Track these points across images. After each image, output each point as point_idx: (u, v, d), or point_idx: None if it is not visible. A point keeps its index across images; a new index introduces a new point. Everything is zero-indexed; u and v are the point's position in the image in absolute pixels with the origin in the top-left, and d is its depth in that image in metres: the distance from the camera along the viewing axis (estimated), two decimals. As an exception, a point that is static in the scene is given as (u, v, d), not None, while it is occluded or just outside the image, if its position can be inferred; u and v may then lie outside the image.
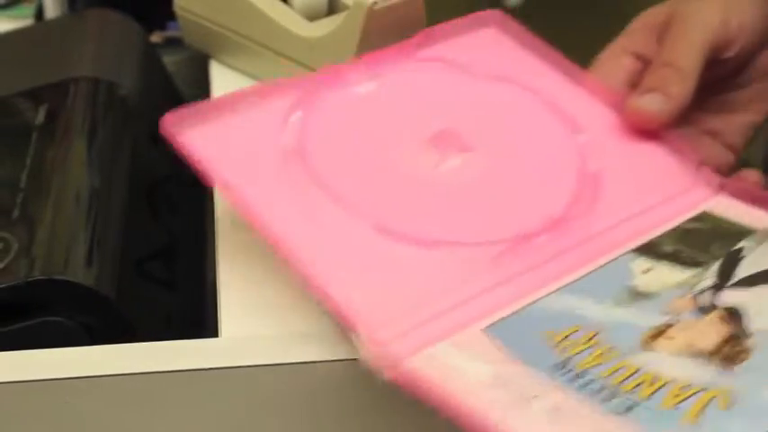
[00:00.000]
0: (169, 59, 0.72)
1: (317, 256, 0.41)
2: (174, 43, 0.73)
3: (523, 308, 0.41)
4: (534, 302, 0.41)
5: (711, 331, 0.39)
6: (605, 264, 0.44)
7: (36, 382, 0.42)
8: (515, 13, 0.57)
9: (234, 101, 0.48)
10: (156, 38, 0.74)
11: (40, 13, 0.75)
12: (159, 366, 0.42)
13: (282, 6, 0.64)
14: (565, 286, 0.42)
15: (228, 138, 0.46)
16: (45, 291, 0.45)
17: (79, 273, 0.47)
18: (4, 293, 0.45)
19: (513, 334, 0.39)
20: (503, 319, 0.40)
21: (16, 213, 0.50)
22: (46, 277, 0.46)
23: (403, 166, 0.48)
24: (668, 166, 0.50)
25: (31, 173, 0.53)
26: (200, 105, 0.47)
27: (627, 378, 0.37)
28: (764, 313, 0.39)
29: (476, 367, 0.37)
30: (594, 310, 0.41)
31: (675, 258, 0.44)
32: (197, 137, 0.46)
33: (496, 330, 0.40)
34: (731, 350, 0.37)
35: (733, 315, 0.39)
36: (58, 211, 0.50)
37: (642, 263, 0.44)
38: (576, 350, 0.38)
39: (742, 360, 0.37)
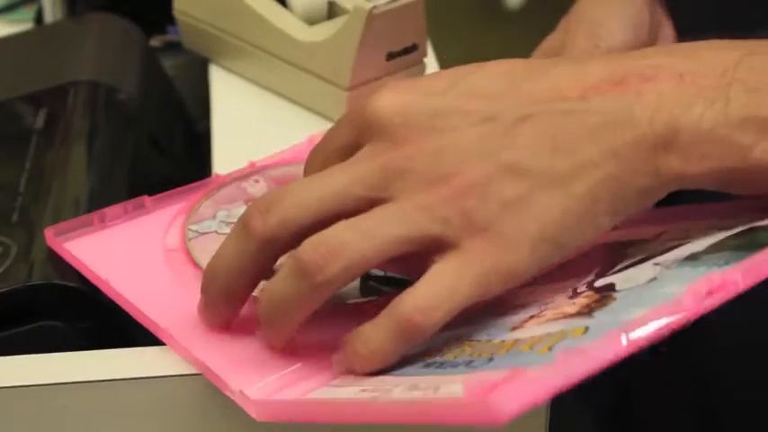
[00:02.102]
0: (169, 63, 0.72)
1: (194, 334, 0.43)
2: (173, 47, 0.73)
3: None
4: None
5: (581, 301, 0.40)
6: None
7: (34, 387, 0.42)
8: (515, 16, 0.57)
9: (117, 213, 0.50)
10: (155, 42, 0.74)
11: (39, 17, 0.75)
12: (161, 371, 0.42)
13: (282, 10, 0.64)
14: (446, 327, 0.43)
15: (113, 244, 0.49)
16: (44, 295, 0.45)
17: (78, 277, 0.47)
18: (2, 298, 0.45)
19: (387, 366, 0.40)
20: None
21: (15, 217, 0.50)
22: (45, 281, 0.46)
23: None
24: None
25: (31, 177, 0.53)
26: (85, 217, 0.50)
27: (489, 349, 0.38)
28: (628, 281, 0.40)
29: (345, 390, 0.39)
30: (473, 328, 0.41)
31: (560, 277, 0.44)
32: (81, 245, 0.48)
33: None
34: (598, 304, 0.38)
35: (605, 288, 0.40)
36: (57, 216, 0.50)
37: (526, 288, 0.44)
38: (450, 351, 0.39)
39: (605, 306, 0.38)
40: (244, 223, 0.41)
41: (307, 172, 0.44)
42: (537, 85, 0.41)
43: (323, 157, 0.43)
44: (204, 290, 0.43)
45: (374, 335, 0.39)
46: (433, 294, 0.38)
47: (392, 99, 0.41)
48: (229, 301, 0.42)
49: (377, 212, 0.39)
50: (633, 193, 0.39)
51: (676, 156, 0.39)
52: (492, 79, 0.41)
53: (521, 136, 0.39)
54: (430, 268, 0.39)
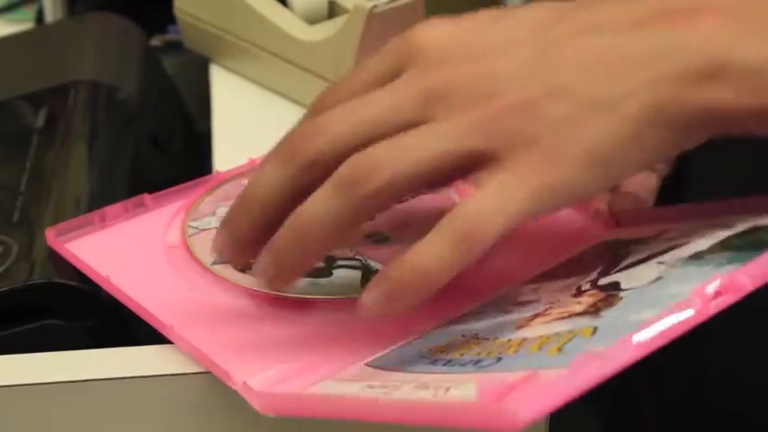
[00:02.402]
0: (169, 63, 0.72)
1: (196, 328, 0.43)
2: (174, 47, 0.73)
3: (406, 342, 0.42)
4: (418, 337, 0.42)
5: (586, 300, 0.39)
6: (494, 297, 0.44)
7: (34, 387, 0.42)
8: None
9: (117, 211, 0.50)
10: (156, 41, 0.74)
11: (40, 17, 0.75)
12: (162, 370, 0.42)
13: (283, 10, 0.64)
14: (451, 321, 0.43)
15: (114, 243, 0.49)
16: (45, 294, 0.45)
17: (79, 276, 0.47)
18: (3, 296, 0.45)
19: (393, 359, 0.40)
20: (385, 353, 0.41)
21: (16, 217, 0.50)
22: (46, 280, 0.46)
23: None
24: (562, 219, 0.50)
25: (32, 176, 0.53)
26: (85, 217, 0.49)
27: (497, 348, 0.38)
28: (633, 280, 0.40)
29: (351, 385, 0.38)
30: (478, 324, 0.41)
31: (563, 274, 0.44)
32: (82, 245, 0.48)
33: (378, 362, 0.41)
34: (604, 303, 0.38)
35: (610, 286, 0.40)
36: (57, 215, 0.50)
37: (529, 286, 0.44)
38: (456, 349, 0.39)
39: (612, 306, 0.38)
40: (287, 146, 0.40)
41: (337, 97, 0.43)
42: (581, 17, 0.40)
43: (360, 84, 0.42)
44: (235, 217, 0.41)
45: (430, 248, 0.37)
46: (489, 204, 0.37)
47: (434, 28, 0.41)
48: (262, 229, 0.40)
49: (420, 129, 0.38)
50: (680, 125, 0.38)
51: (727, 89, 0.37)
52: (534, 12, 0.41)
53: (567, 61, 0.39)
54: (479, 184, 0.38)
